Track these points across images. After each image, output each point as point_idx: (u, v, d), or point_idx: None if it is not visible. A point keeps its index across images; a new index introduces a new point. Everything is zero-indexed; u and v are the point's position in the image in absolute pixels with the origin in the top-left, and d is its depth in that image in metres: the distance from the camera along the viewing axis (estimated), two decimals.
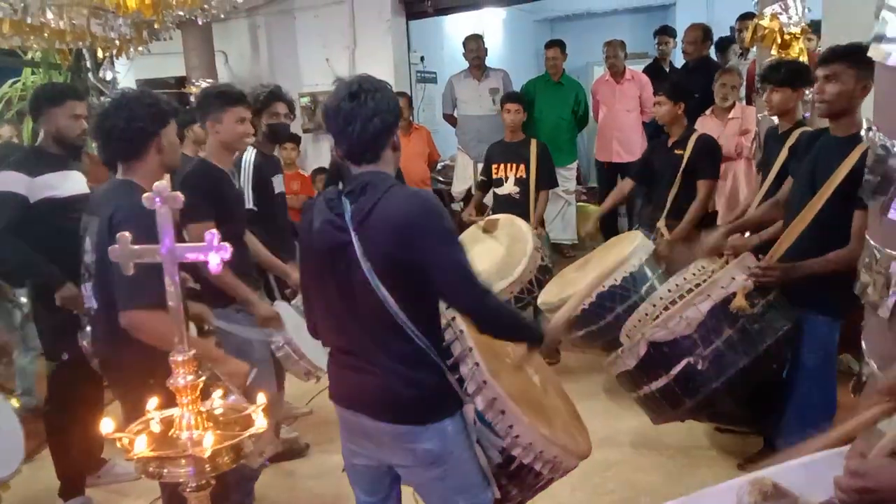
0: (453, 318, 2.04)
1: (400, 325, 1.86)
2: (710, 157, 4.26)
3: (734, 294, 2.75)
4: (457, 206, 6.67)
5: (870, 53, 1.96)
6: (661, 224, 4.17)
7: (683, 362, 2.75)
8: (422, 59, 7.84)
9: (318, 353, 3.25)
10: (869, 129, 2.08)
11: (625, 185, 4.81)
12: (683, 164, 4.15)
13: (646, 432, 3.58)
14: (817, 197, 2.71)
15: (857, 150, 2.59)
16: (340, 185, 1.95)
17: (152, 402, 1.66)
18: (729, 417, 3.35)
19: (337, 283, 1.91)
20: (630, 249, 3.53)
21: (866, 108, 2.33)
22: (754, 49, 4.90)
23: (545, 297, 3.94)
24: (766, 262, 2.86)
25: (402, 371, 1.90)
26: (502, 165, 4.91)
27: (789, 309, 2.86)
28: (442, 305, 2.01)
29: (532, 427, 1.97)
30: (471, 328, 2.01)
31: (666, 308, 3.13)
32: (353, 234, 1.85)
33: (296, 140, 5.73)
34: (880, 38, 1.89)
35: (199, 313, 2.81)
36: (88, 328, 3.10)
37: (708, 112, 5.20)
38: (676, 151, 4.25)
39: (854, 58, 2.57)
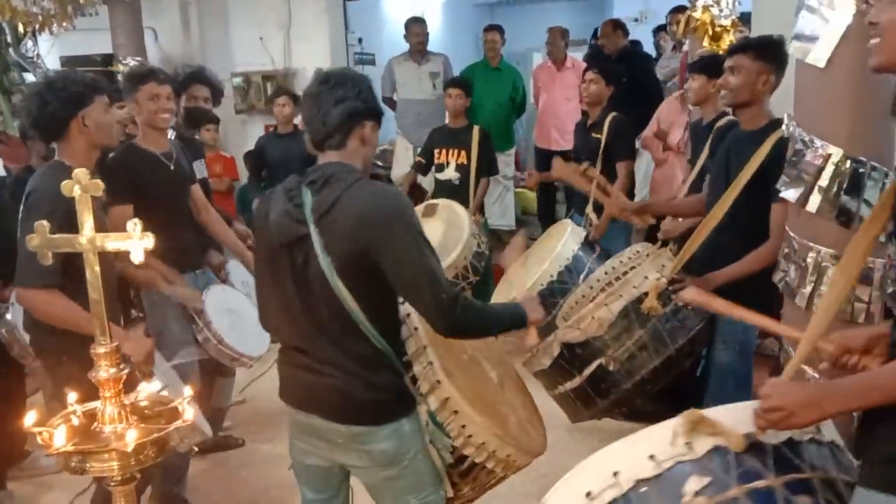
0: (408, 315, 1.98)
1: (357, 325, 1.80)
2: (624, 137, 4.35)
3: (647, 294, 2.67)
4: None
5: (789, 51, 2.03)
6: (589, 210, 4.19)
7: (595, 364, 2.70)
8: (360, 40, 7.73)
9: (246, 340, 3.18)
10: (789, 123, 2.16)
11: None
12: (602, 147, 4.22)
13: None
14: (729, 191, 2.64)
15: (766, 142, 2.57)
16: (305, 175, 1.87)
17: (72, 395, 1.62)
18: (644, 415, 3.15)
19: (293, 277, 1.83)
20: (561, 242, 3.53)
21: (785, 104, 2.39)
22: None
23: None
24: (675, 268, 2.75)
25: (358, 372, 1.84)
26: (444, 150, 4.91)
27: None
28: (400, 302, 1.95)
29: (485, 427, 1.94)
30: (425, 324, 1.93)
31: (603, 290, 3.12)
32: (312, 226, 1.77)
33: (214, 121, 5.54)
34: (799, 37, 1.96)
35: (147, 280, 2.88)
36: (9, 316, 3.00)
37: (675, 95, 5.07)
38: (594, 135, 4.31)
39: (755, 51, 2.62)
